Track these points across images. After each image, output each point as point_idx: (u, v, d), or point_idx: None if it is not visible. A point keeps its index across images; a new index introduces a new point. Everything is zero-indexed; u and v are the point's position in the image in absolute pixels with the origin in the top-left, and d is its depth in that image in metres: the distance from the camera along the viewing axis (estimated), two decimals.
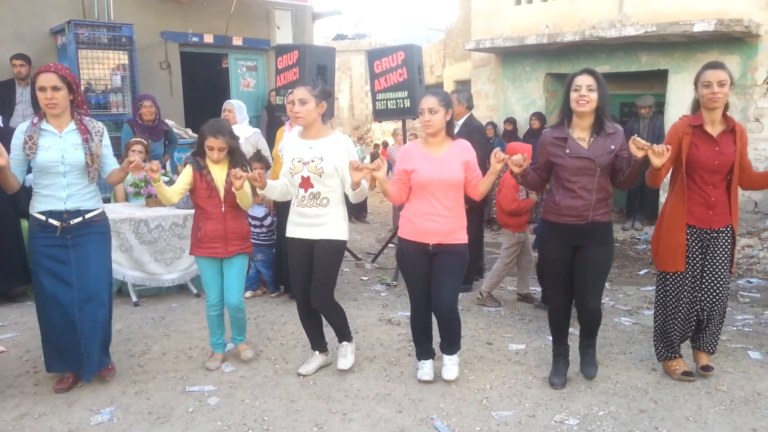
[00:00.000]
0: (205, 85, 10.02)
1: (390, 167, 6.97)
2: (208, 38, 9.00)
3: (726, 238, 3.63)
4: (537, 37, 8.86)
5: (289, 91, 5.31)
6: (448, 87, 14.79)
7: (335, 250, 3.68)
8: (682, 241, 3.62)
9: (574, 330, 3.89)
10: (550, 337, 4.42)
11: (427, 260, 3.60)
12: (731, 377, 3.80)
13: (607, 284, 4.91)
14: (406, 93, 6.10)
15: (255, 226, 5.45)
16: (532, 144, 5.70)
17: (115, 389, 3.64)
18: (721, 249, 3.63)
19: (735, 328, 4.73)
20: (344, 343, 3.92)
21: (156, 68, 8.61)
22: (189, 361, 4.07)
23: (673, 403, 3.48)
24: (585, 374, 3.73)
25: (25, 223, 5.36)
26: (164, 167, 6.08)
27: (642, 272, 6.72)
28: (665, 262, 3.69)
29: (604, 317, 4.65)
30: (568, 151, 3.42)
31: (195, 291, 5.53)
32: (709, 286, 3.67)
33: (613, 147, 3.40)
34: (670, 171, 3.69)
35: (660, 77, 8.52)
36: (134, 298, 5.26)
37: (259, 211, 5.49)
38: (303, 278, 3.71)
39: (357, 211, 9.45)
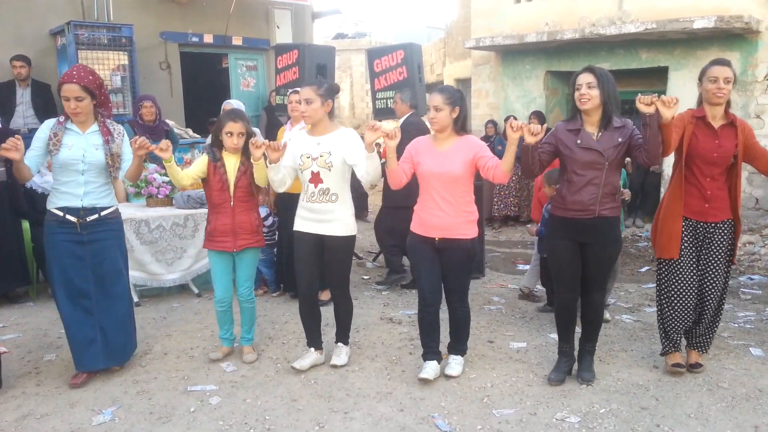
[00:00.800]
0: (205, 85, 10.02)
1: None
2: (208, 38, 8.99)
3: (723, 232, 3.65)
4: (537, 35, 8.86)
5: (291, 90, 5.34)
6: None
7: (347, 245, 3.79)
8: (678, 229, 3.64)
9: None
10: (552, 335, 4.43)
11: (435, 254, 3.65)
12: (733, 374, 3.80)
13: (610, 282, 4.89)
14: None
15: None
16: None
17: (117, 389, 3.64)
18: (716, 243, 3.65)
19: (736, 325, 4.73)
20: (340, 344, 4.00)
21: (156, 68, 8.60)
22: (191, 360, 4.07)
23: (674, 400, 3.48)
24: (581, 379, 3.70)
25: (26, 224, 5.38)
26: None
27: (643, 269, 6.72)
28: (661, 248, 3.72)
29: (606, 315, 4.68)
30: (579, 141, 3.44)
31: (196, 291, 5.53)
32: (703, 280, 3.70)
33: (620, 140, 3.41)
34: (673, 161, 3.71)
35: (660, 74, 8.51)
36: (135, 298, 5.26)
37: (260, 211, 5.47)
38: (309, 271, 3.80)
39: (358, 210, 9.39)
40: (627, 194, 4.59)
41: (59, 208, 3.59)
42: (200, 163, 3.89)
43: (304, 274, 3.81)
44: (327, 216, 3.70)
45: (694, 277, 3.69)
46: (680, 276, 3.69)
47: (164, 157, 3.61)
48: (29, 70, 7.06)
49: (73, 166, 3.55)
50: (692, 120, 3.61)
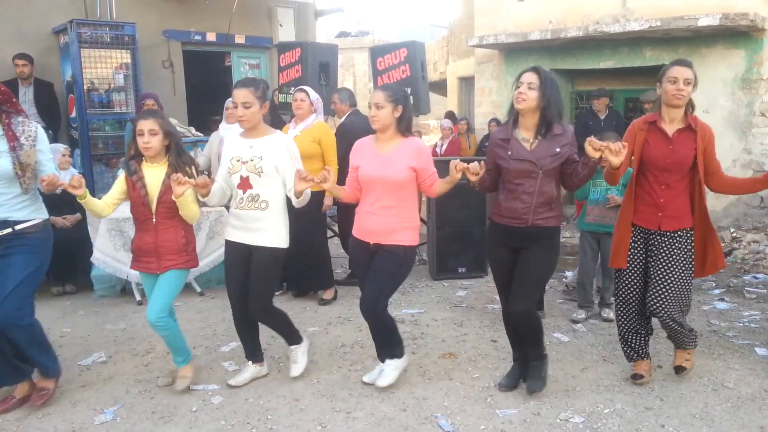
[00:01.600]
0: (207, 83, 10.01)
1: None
2: (211, 36, 8.98)
3: (678, 242, 3.44)
4: (540, 33, 8.82)
5: (294, 89, 5.33)
6: (452, 83, 14.78)
7: (273, 258, 3.52)
8: (626, 239, 3.53)
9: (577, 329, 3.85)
10: (555, 334, 4.41)
11: (370, 259, 3.50)
12: (738, 374, 3.77)
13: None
14: (409, 90, 6.07)
15: None
16: None
17: (119, 388, 3.64)
18: (666, 253, 3.45)
19: (741, 324, 4.70)
20: (293, 347, 3.79)
21: (159, 67, 8.59)
22: (193, 359, 4.05)
23: (679, 400, 3.45)
24: (527, 387, 3.49)
25: None
26: None
27: None
28: (612, 258, 3.64)
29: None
30: (510, 153, 3.28)
31: (199, 290, 5.52)
32: (652, 289, 3.49)
33: (558, 150, 3.23)
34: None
35: None
36: (138, 297, 5.26)
37: None
38: (238, 284, 3.56)
39: None
40: (616, 200, 4.46)
41: None
42: (119, 182, 3.49)
43: (235, 286, 3.58)
44: (255, 225, 3.48)
45: (641, 286, 3.59)
46: (628, 286, 3.60)
47: (77, 194, 3.21)
48: (32, 68, 7.05)
49: None
50: (644, 126, 3.46)
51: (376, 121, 3.41)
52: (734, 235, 7.45)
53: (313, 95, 5.09)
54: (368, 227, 3.47)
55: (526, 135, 3.30)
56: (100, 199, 3.47)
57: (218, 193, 3.57)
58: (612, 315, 4.76)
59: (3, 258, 3.23)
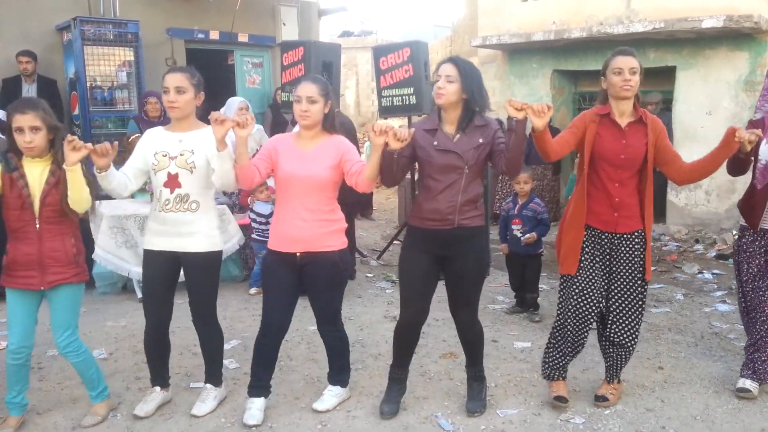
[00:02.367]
0: (210, 81, 10.02)
1: None
2: (214, 35, 8.99)
3: (634, 244, 3.22)
4: (544, 34, 8.82)
5: (293, 88, 5.32)
6: None
7: (211, 262, 3.22)
8: (578, 242, 3.24)
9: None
10: None
11: (295, 272, 3.17)
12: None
13: None
14: (412, 89, 6.10)
15: (260, 223, 5.44)
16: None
17: (119, 385, 3.64)
18: (625, 257, 3.24)
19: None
20: (208, 386, 3.37)
21: (162, 65, 8.57)
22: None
23: (680, 402, 3.45)
24: (467, 409, 3.28)
25: None
26: None
27: None
28: (560, 262, 3.34)
29: None
30: (436, 143, 3.03)
31: (140, 296, 5.45)
32: (618, 316, 3.31)
33: (481, 140, 3.03)
34: (575, 166, 3.36)
35: (668, 74, 8.45)
36: (139, 295, 5.26)
37: (265, 209, 5.47)
38: (159, 298, 3.24)
39: (363, 208, 9.43)
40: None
41: None
42: None
43: (154, 300, 3.25)
44: (185, 228, 3.11)
45: (594, 297, 3.27)
46: (581, 295, 3.26)
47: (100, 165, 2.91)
48: (35, 65, 7.08)
49: None
50: (596, 118, 3.20)
51: (307, 117, 3.09)
52: (736, 237, 7.42)
53: None
54: (292, 235, 3.11)
55: (449, 129, 3.09)
56: None
57: (119, 178, 3.05)
58: None
59: None
